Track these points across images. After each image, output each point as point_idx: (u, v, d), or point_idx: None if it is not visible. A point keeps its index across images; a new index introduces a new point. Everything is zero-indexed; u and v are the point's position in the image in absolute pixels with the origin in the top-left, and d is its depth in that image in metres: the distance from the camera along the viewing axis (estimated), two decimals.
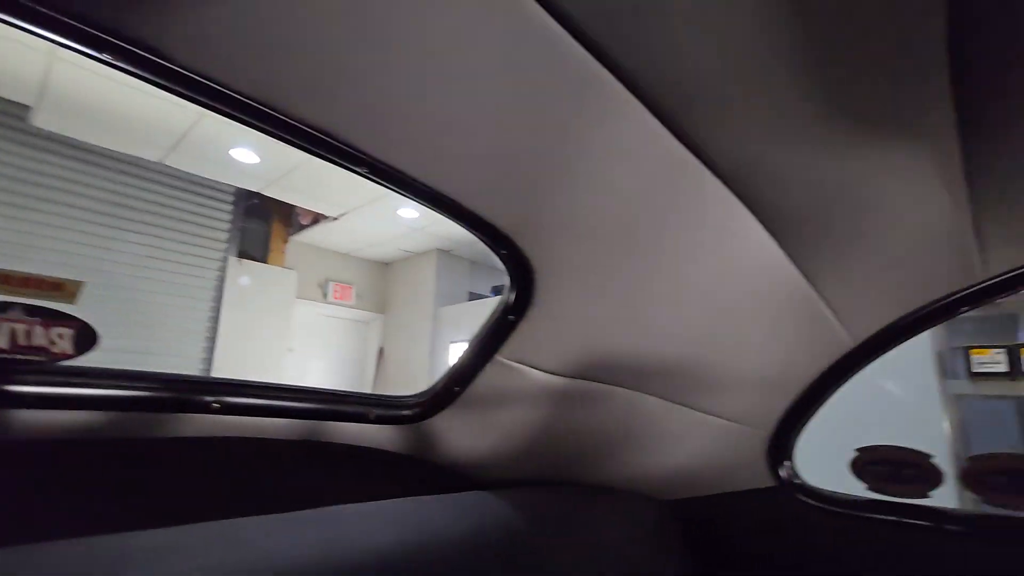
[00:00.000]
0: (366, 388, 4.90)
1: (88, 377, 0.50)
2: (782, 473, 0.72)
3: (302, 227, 4.34)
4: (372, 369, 4.68)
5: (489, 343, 0.64)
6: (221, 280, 3.88)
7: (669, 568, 0.70)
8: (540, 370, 0.66)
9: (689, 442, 0.72)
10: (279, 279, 4.28)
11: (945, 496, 0.69)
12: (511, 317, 0.61)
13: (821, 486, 0.74)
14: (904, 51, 0.39)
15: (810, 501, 0.72)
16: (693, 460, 0.73)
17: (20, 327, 0.44)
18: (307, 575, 0.41)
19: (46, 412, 0.48)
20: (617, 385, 0.69)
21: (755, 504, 0.73)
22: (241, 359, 3.79)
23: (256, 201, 4.03)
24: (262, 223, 4.30)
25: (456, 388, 0.69)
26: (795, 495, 0.72)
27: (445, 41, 0.36)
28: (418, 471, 0.73)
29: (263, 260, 4.30)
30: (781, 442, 0.71)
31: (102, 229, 3.20)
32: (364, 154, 0.43)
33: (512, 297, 0.60)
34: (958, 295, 0.61)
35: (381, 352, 4.72)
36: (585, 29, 0.37)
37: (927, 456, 0.66)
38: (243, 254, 4.09)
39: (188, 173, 3.44)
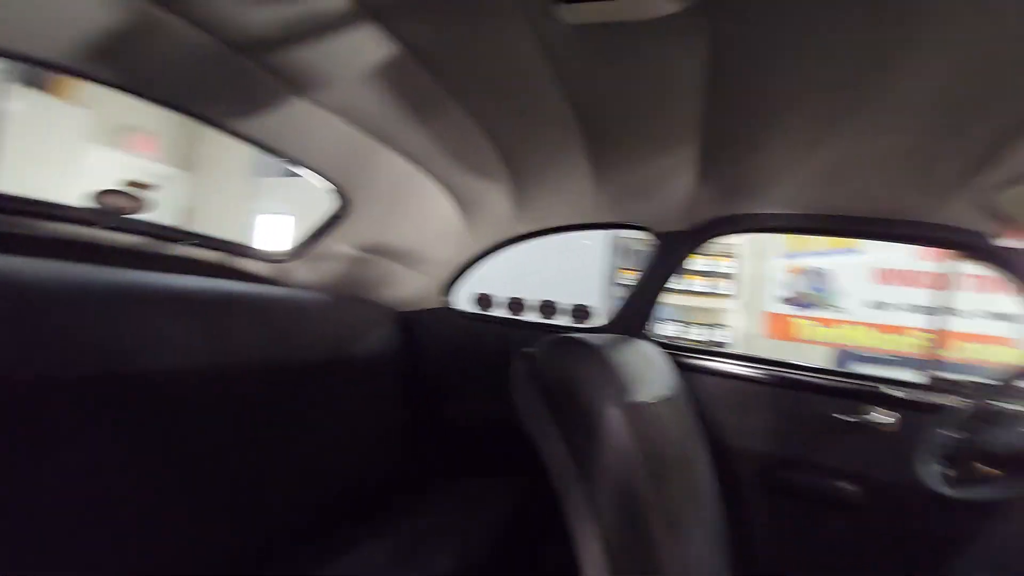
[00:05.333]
0: None
1: None
2: (446, 299, 1.71)
3: None
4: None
5: (325, 229, 1.44)
6: None
7: (389, 337, 1.63)
8: (344, 244, 1.48)
9: (412, 282, 1.64)
10: (64, 117, 3.95)
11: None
12: (337, 215, 1.41)
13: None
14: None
15: (457, 313, 1.72)
16: (410, 290, 1.66)
17: None
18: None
19: None
20: (387, 257, 1.55)
21: (432, 315, 1.70)
22: None
23: None
24: None
25: (304, 250, 1.47)
26: (450, 310, 1.71)
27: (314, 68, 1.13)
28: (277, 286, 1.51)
29: (43, 89, 3.90)
30: (451, 283, 1.68)
31: None
32: (265, 145, 1.17)
33: (338, 209, 1.40)
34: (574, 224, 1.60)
35: (190, 211, 4.82)
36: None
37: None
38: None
39: None
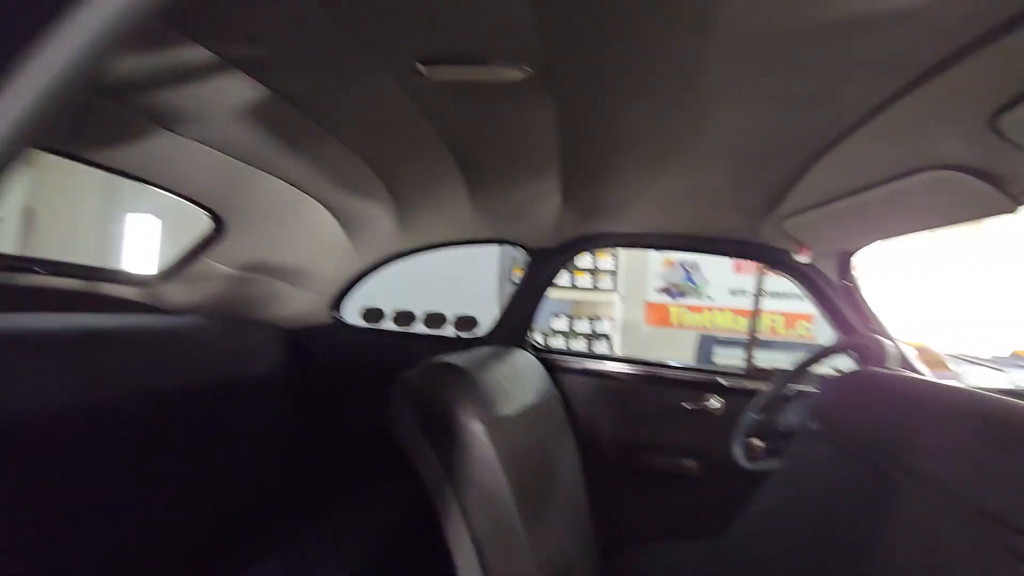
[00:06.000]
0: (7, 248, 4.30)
1: None
2: (335, 315, 1.73)
3: None
4: (17, 229, 4.19)
5: (199, 249, 1.41)
6: None
7: (277, 355, 1.63)
8: (222, 264, 1.45)
9: (298, 299, 1.64)
10: None
11: None
12: (211, 237, 1.38)
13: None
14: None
15: (346, 327, 1.75)
16: (297, 307, 1.66)
17: None
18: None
19: None
20: (271, 276, 1.54)
21: (321, 331, 1.72)
22: None
23: None
24: None
25: (177, 270, 1.43)
26: (339, 325, 1.74)
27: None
28: (151, 311, 1.45)
29: None
30: (339, 298, 1.71)
31: None
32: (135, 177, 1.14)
33: (212, 231, 1.37)
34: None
35: (31, 213, 4.22)
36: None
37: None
38: None
39: None
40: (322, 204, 1.40)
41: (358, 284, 1.71)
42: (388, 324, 1.75)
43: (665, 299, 4.66)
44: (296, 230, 1.45)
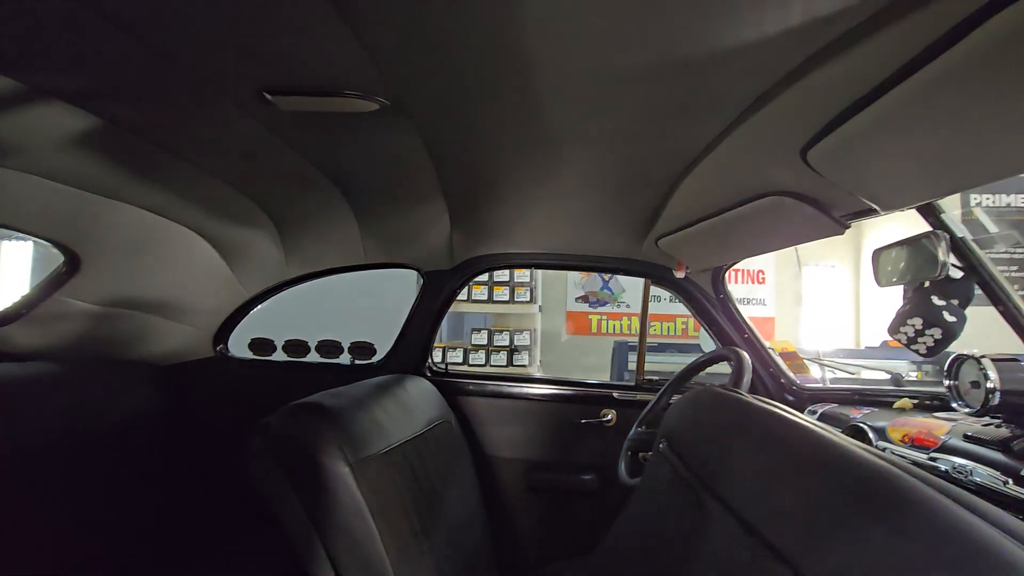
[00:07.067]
0: None
1: None
2: (219, 348, 1.63)
3: None
4: None
5: (47, 290, 1.27)
6: None
7: (151, 396, 1.50)
8: (81, 301, 1.32)
9: (175, 334, 1.53)
10: None
11: None
12: (64, 272, 1.25)
13: None
14: None
15: (232, 361, 1.65)
16: (174, 343, 1.55)
17: None
18: None
19: None
20: (140, 311, 1.41)
21: (203, 366, 1.61)
22: None
23: None
24: None
25: (23, 310, 1.28)
26: (223, 359, 1.63)
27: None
28: None
29: None
30: (222, 332, 1.60)
31: None
32: None
33: (64, 266, 1.25)
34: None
35: None
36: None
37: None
38: None
39: None
40: (196, 232, 1.31)
41: (243, 315, 1.61)
42: (279, 355, 1.67)
43: (584, 308, 4.77)
44: (166, 261, 1.35)
